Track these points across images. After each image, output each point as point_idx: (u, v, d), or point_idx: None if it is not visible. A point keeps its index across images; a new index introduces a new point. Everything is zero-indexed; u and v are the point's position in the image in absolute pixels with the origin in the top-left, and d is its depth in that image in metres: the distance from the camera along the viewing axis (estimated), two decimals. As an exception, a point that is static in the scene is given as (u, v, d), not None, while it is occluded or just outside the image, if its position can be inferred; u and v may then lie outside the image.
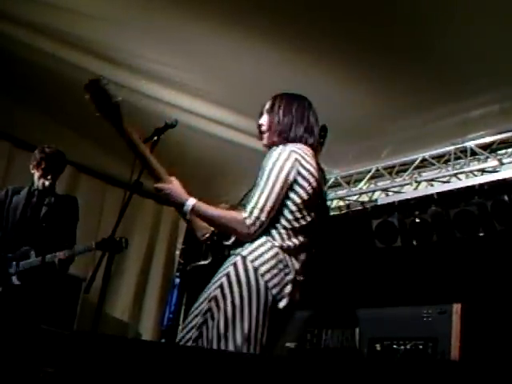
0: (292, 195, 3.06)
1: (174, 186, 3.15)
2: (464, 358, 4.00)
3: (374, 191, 6.81)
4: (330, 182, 7.05)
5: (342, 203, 7.11)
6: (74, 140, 6.63)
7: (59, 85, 5.90)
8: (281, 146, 3.12)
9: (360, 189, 6.87)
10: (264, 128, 3.32)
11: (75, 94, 6.02)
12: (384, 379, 2.13)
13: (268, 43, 4.90)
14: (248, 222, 2.94)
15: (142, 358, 2.11)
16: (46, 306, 4.87)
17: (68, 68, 5.64)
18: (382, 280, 5.96)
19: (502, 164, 5.71)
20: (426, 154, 6.24)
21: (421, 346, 4.29)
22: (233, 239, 3.13)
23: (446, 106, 5.45)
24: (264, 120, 3.33)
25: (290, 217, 3.05)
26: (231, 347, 2.85)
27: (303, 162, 3.11)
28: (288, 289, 3.00)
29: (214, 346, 2.85)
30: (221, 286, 2.93)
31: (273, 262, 2.96)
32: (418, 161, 6.30)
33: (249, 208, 2.97)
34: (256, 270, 2.92)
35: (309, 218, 3.11)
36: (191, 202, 3.05)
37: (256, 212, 2.95)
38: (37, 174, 5.03)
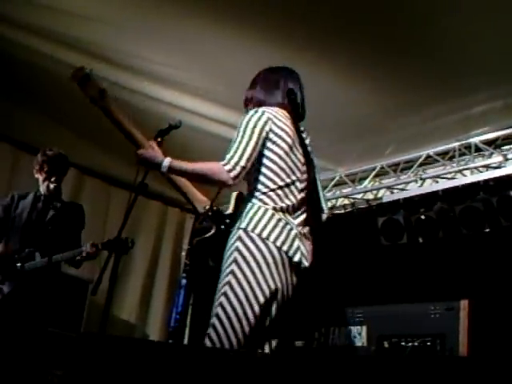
0: (268, 153, 3.15)
1: (152, 150, 3.21)
2: (472, 354, 3.99)
3: (378, 189, 6.80)
4: (334, 181, 7.06)
5: (347, 201, 7.11)
6: (77, 142, 6.63)
7: (61, 87, 5.87)
8: (254, 108, 3.24)
9: (365, 187, 6.87)
10: (245, 102, 3.46)
11: (77, 96, 6.09)
12: (393, 376, 2.13)
13: (269, 41, 4.90)
14: (227, 167, 3.03)
15: (150, 358, 2.11)
16: (53, 309, 4.88)
17: (68, 70, 5.63)
18: (389, 277, 5.95)
19: (506, 160, 5.71)
20: (431, 151, 6.23)
21: (429, 343, 4.29)
22: (231, 208, 3.29)
23: (450, 103, 5.45)
24: (244, 95, 3.47)
25: (271, 175, 3.14)
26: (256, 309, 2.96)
27: (275, 120, 3.19)
28: (296, 243, 3.10)
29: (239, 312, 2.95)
30: (235, 261, 3.01)
31: (273, 223, 3.05)
32: (422, 158, 6.29)
33: (227, 157, 3.07)
34: (260, 235, 3.01)
35: (293, 177, 3.19)
36: (167, 160, 3.09)
37: (235, 158, 3.05)
38: (41, 178, 5.03)
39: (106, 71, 5.53)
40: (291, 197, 3.16)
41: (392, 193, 6.60)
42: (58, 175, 5.05)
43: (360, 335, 4.75)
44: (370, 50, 4.89)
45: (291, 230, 3.09)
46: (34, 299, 4.77)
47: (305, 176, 3.22)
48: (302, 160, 3.22)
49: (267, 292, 2.99)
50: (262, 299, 2.98)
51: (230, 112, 5.73)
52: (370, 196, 6.90)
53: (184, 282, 7.52)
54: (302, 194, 3.20)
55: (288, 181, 3.16)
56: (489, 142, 5.87)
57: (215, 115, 6.12)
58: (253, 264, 2.99)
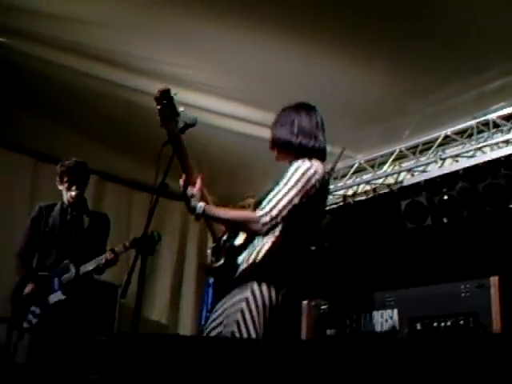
0: (303, 205, 3.17)
1: (195, 189, 3.23)
2: (506, 330, 3.97)
3: (399, 173, 6.76)
4: (354, 168, 7.04)
5: (368, 187, 7.09)
6: (95, 149, 6.68)
7: (77, 96, 5.95)
8: (300, 160, 3.24)
9: (385, 171, 6.84)
10: (270, 144, 3.47)
11: (93, 104, 6.14)
12: (429, 357, 2.12)
13: (281, 33, 4.90)
14: (264, 219, 3.05)
15: (185, 353, 2.12)
16: (87, 316, 4.95)
17: (84, 79, 5.68)
18: (416, 260, 5.93)
19: (525, 133, 5.67)
20: (449, 131, 6.20)
21: (462, 322, 4.26)
22: (241, 241, 3.33)
23: (464, 81, 5.41)
24: (277, 135, 3.44)
25: (296, 225, 3.19)
26: None
27: (318, 177, 3.21)
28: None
29: None
30: (241, 311, 3.06)
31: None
32: (440, 138, 6.25)
33: (267, 207, 3.08)
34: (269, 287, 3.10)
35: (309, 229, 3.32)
36: (200, 206, 3.14)
37: (274, 212, 3.06)
38: (63, 189, 5.09)
39: (118, 75, 5.57)
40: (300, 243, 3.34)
41: (413, 175, 6.56)
42: (79, 184, 5.10)
43: (392, 319, 4.74)
44: (382, 34, 4.87)
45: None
46: (72, 308, 4.84)
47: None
48: None
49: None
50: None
51: (247, 108, 5.75)
52: (390, 180, 6.87)
53: (212, 279, 7.55)
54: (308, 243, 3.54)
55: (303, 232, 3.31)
56: (506, 117, 5.81)
57: (231, 112, 6.13)
58: (256, 318, 3.07)
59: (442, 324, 4.37)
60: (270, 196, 3.13)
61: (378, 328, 4.82)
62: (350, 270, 6.48)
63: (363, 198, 7.10)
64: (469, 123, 6.04)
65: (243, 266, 3.24)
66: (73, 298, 4.85)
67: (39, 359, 4.71)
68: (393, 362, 2.08)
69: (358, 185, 7.17)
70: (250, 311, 3.04)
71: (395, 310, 4.72)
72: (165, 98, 3.02)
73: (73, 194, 5.05)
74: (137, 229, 6.98)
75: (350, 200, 7.18)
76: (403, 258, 6.07)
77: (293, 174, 3.16)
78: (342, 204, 7.21)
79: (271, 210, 3.05)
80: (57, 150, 7.05)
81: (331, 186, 7.32)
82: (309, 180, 3.16)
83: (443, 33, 4.83)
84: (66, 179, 5.05)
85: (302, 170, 3.17)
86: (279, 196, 3.09)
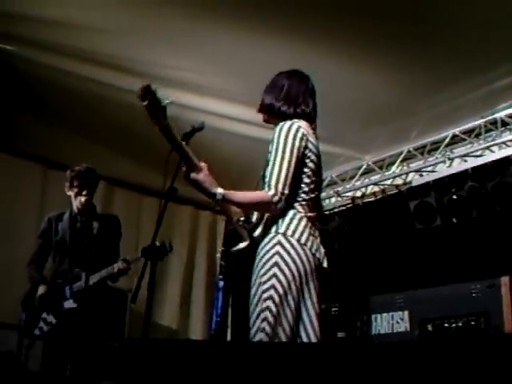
0: (304, 169, 3.26)
1: (205, 175, 3.25)
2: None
3: (407, 173, 6.76)
4: (362, 169, 7.04)
5: (376, 189, 7.09)
6: (104, 154, 6.69)
7: (85, 102, 5.96)
8: (288, 122, 3.30)
9: (393, 172, 6.84)
10: (268, 109, 3.51)
11: (100, 110, 6.15)
12: (441, 358, 2.11)
13: (286, 35, 4.90)
14: (276, 198, 3.12)
15: (197, 358, 2.12)
16: (98, 323, 4.95)
17: (90, 84, 5.69)
18: (426, 261, 5.92)
19: (534, 132, 5.65)
20: (457, 130, 6.19)
21: (473, 322, 4.26)
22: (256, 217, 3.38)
23: (471, 80, 5.41)
24: (265, 100, 3.52)
25: (306, 189, 3.27)
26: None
27: (309, 136, 3.29)
28: (322, 250, 3.27)
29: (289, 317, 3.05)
30: (277, 264, 3.10)
31: (307, 231, 3.20)
32: (448, 138, 6.25)
33: (273, 184, 3.15)
34: (299, 240, 3.14)
35: (317, 192, 3.35)
36: (220, 192, 3.18)
37: (280, 187, 3.14)
38: (72, 194, 5.09)
39: (123, 80, 5.58)
40: (317, 207, 3.35)
41: (421, 176, 6.56)
42: (89, 189, 5.10)
43: (402, 320, 4.73)
44: (389, 35, 4.86)
45: (317, 237, 3.27)
46: (83, 316, 4.85)
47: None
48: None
49: (297, 295, 3.11)
50: (295, 300, 3.10)
51: (251, 110, 5.74)
52: (399, 181, 6.87)
53: (221, 283, 7.56)
54: (318, 204, 3.41)
55: (317, 193, 3.35)
56: (515, 116, 5.81)
57: (235, 114, 6.12)
58: (293, 267, 3.09)
59: (453, 325, 4.36)
60: (269, 169, 3.20)
61: (388, 330, 4.82)
62: (360, 271, 6.47)
63: (372, 199, 7.11)
64: (477, 122, 6.04)
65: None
66: (84, 306, 4.85)
67: (52, 367, 4.71)
68: (404, 363, 2.07)
69: (367, 186, 7.17)
70: (285, 261, 3.10)
71: (406, 312, 4.72)
72: (147, 93, 3.05)
73: (82, 199, 5.05)
74: (146, 234, 6.98)
75: (359, 201, 7.18)
76: (413, 259, 6.06)
77: (278, 138, 3.23)
78: (350, 206, 7.20)
79: (277, 185, 3.13)
80: (65, 157, 7.07)
81: (339, 188, 7.32)
82: (294, 137, 3.22)
83: (450, 32, 4.82)
84: (76, 184, 5.05)
85: (285, 131, 3.24)
86: (277, 168, 3.17)
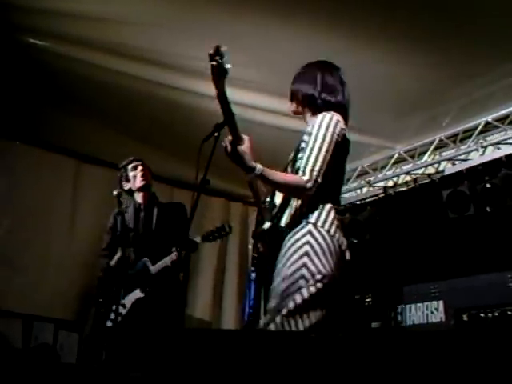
0: (336, 158, 3.25)
1: (248, 148, 3.29)
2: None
3: (439, 162, 6.70)
4: (394, 158, 6.99)
5: (408, 178, 7.04)
6: (135, 148, 6.71)
7: (116, 96, 6.00)
8: (329, 113, 3.30)
9: (425, 161, 6.78)
10: (290, 97, 3.53)
11: (132, 104, 6.18)
12: (476, 349, 2.10)
13: (316, 26, 4.88)
14: (309, 184, 3.13)
15: (233, 348, 2.13)
16: (162, 312, 4.99)
17: (121, 78, 5.72)
18: (460, 250, 5.86)
19: None
20: (489, 117, 6.12)
21: (509, 312, 4.21)
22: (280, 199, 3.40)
23: (503, 66, 5.34)
24: (298, 89, 3.51)
25: (336, 180, 3.31)
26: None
27: (343, 126, 3.30)
28: (346, 242, 3.25)
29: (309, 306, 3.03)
30: (307, 254, 3.10)
31: (336, 223, 3.21)
32: (481, 125, 6.18)
33: (308, 171, 3.16)
34: (328, 231, 3.15)
35: (341, 182, 3.41)
36: (260, 168, 3.18)
37: (315, 175, 3.14)
38: (131, 186, 5.23)
39: (155, 74, 5.60)
40: (340, 198, 3.40)
41: (454, 164, 6.50)
42: (147, 178, 5.22)
43: (437, 310, 4.70)
44: (419, 24, 4.82)
45: (341, 230, 3.25)
46: (152, 305, 4.92)
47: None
48: None
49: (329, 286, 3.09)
50: (328, 290, 3.09)
51: (280, 101, 5.73)
52: (431, 170, 6.81)
53: (253, 275, 7.56)
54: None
55: (342, 184, 3.42)
56: (549, 101, 5.74)
57: (268, 106, 6.11)
58: (322, 258, 3.09)
59: (489, 314, 4.32)
60: (305, 156, 3.20)
61: (423, 320, 4.79)
62: (393, 262, 6.43)
63: (404, 188, 7.05)
64: (510, 109, 5.96)
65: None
66: (150, 295, 4.92)
67: (88, 359, 4.78)
68: (441, 353, 2.05)
69: (399, 176, 7.12)
70: (315, 251, 3.11)
71: (440, 302, 4.69)
72: (217, 54, 3.08)
73: (139, 183, 5.19)
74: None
75: (391, 191, 7.13)
76: (446, 248, 6.00)
77: (319, 128, 3.23)
78: (382, 196, 7.16)
79: (312, 172, 3.14)
80: (97, 150, 7.15)
81: (371, 178, 7.29)
82: (334, 129, 3.23)
83: (482, 20, 4.76)
84: (134, 173, 5.25)
85: (326, 121, 3.24)
86: (313, 156, 3.17)
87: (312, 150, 3.19)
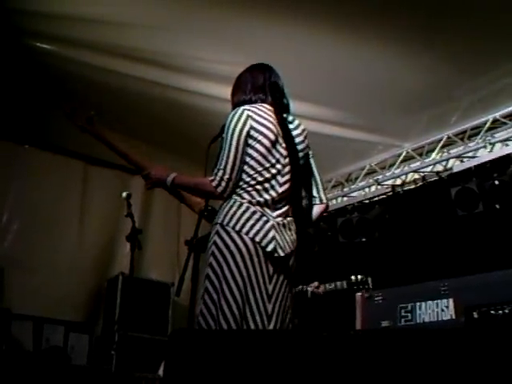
0: (250, 151, 3.20)
1: (155, 169, 3.43)
2: None
3: (448, 159, 6.69)
4: (401, 157, 6.99)
5: (416, 176, 7.02)
6: (143, 150, 6.73)
7: (123, 98, 6.02)
8: (235, 109, 3.31)
9: (433, 159, 6.77)
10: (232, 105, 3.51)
11: (140, 106, 6.20)
12: (487, 346, 2.09)
13: (326, 26, 4.88)
14: (214, 183, 3.15)
15: (245, 348, 2.13)
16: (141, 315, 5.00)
17: (131, 81, 5.75)
18: (469, 248, 5.84)
19: None
20: (497, 114, 6.11)
21: (520, 309, 4.20)
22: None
23: (511, 62, 5.32)
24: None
25: (251, 172, 3.20)
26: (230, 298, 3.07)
27: (255, 116, 3.25)
28: (272, 233, 3.16)
29: (217, 306, 3.10)
30: (212, 253, 3.14)
31: (246, 215, 3.16)
32: (489, 122, 6.17)
33: (215, 170, 3.18)
34: (234, 228, 3.13)
35: (274, 171, 3.24)
36: (171, 176, 3.31)
37: (220, 173, 3.15)
38: None
39: (166, 76, 5.61)
40: (271, 191, 3.23)
41: (462, 161, 6.48)
42: None
43: (447, 308, 4.69)
44: (427, 20, 4.81)
45: (267, 221, 3.17)
46: None
47: (287, 169, 3.28)
48: (285, 153, 3.28)
49: (240, 281, 3.08)
50: (235, 289, 3.08)
51: (307, 104, 5.72)
52: (439, 168, 6.79)
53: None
54: (285, 187, 3.27)
55: (268, 176, 3.23)
56: (557, 98, 5.72)
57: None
58: (227, 255, 3.10)
59: (500, 312, 4.30)
60: (219, 155, 3.22)
61: (433, 318, 4.78)
62: (403, 260, 6.42)
63: (412, 186, 7.04)
64: (518, 106, 5.95)
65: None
66: None
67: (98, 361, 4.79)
68: (451, 351, 2.05)
69: (407, 174, 7.11)
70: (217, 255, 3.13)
71: (450, 299, 4.67)
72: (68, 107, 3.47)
73: None
74: (187, 226, 7.02)
75: (399, 189, 7.11)
76: (456, 246, 5.99)
77: (227, 128, 3.23)
78: (391, 194, 7.15)
79: (222, 174, 3.14)
80: (105, 153, 7.15)
81: (379, 177, 7.28)
82: (237, 122, 3.21)
83: (491, 15, 4.75)
84: None
85: (229, 119, 3.24)
86: (224, 157, 3.17)
87: (220, 149, 3.21)
